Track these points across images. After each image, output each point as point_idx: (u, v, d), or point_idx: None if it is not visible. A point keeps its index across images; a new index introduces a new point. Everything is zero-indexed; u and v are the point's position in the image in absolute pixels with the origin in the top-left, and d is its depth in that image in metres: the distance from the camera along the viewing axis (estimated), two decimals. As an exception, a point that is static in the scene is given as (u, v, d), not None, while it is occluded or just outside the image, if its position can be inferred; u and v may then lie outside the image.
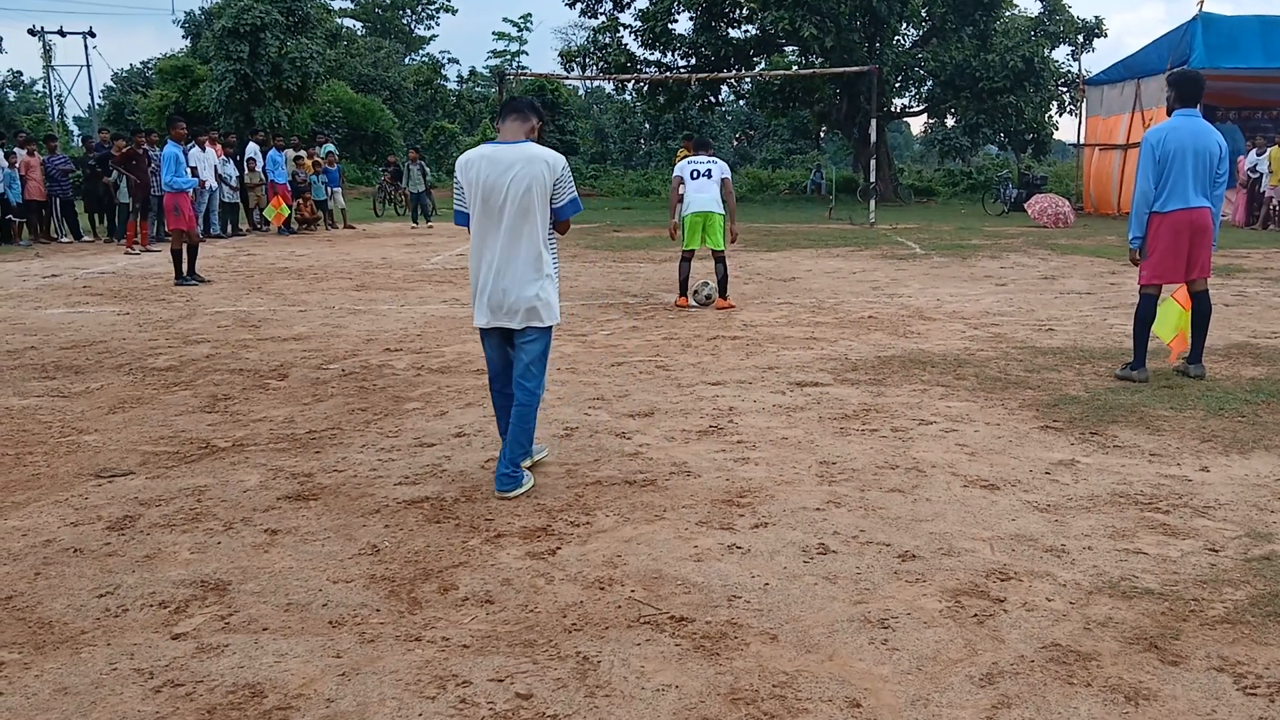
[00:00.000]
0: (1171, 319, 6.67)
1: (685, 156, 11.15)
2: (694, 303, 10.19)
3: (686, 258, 10.20)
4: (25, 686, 2.91)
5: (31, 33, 46.02)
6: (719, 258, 10.05)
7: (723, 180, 9.93)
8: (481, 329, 4.64)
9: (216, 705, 2.80)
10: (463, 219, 4.54)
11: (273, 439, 5.50)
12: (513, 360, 4.62)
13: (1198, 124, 6.49)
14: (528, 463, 4.70)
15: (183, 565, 3.79)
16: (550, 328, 4.59)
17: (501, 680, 2.92)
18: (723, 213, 9.94)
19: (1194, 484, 4.60)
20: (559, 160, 4.44)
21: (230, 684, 2.92)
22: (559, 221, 4.58)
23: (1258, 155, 20.02)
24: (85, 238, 19.50)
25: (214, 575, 3.67)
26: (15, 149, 18.83)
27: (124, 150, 17.68)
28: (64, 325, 9.39)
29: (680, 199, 10.01)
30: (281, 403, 6.34)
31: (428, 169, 25.03)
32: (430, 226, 22.90)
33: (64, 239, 19.23)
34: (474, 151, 4.47)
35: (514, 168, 4.35)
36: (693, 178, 9.93)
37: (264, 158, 21.08)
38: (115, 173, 17.92)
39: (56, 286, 12.43)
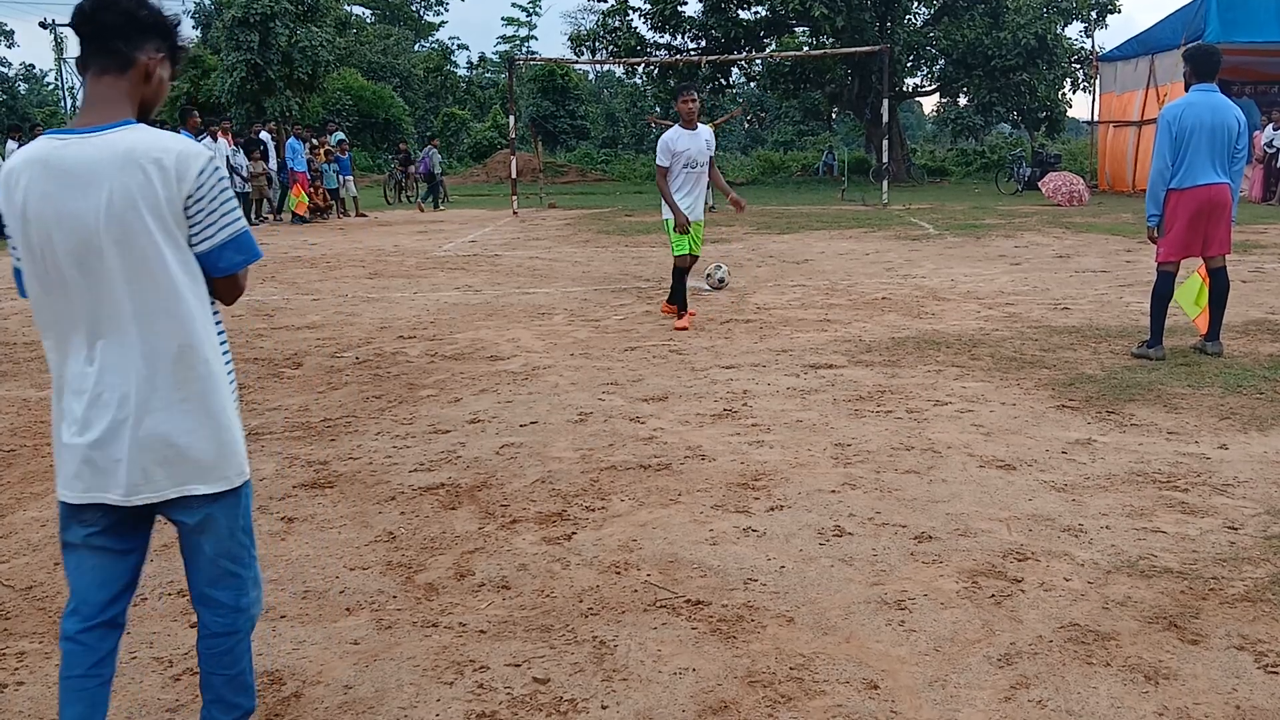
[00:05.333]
0: (1193, 292, 6.62)
1: (668, 127, 8.63)
2: (707, 286, 10.16)
3: (683, 266, 8.26)
4: (46, 676, 2.93)
5: (43, 26, 46.12)
6: (692, 264, 8.47)
7: (709, 161, 8.27)
8: (69, 505, 2.27)
9: (236, 692, 2.81)
10: (23, 284, 2.26)
11: (288, 427, 5.52)
12: (130, 569, 2.43)
13: (1215, 99, 6.41)
14: None
15: (200, 554, 3.80)
16: (240, 488, 2.39)
17: (519, 665, 2.93)
18: (703, 220, 8.42)
19: (1212, 462, 4.57)
20: (191, 157, 2.18)
21: (249, 671, 2.93)
22: (214, 280, 2.28)
23: (1275, 130, 19.82)
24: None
25: (231, 563, 3.68)
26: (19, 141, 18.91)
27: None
28: (79, 317, 9.42)
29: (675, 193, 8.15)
30: (296, 391, 6.36)
31: (437, 155, 25.53)
32: (433, 208, 23.23)
33: None
34: (22, 154, 2.18)
35: (98, 184, 2.11)
36: (685, 174, 8.14)
37: (275, 147, 21.17)
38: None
39: (71, 278, 12.47)
